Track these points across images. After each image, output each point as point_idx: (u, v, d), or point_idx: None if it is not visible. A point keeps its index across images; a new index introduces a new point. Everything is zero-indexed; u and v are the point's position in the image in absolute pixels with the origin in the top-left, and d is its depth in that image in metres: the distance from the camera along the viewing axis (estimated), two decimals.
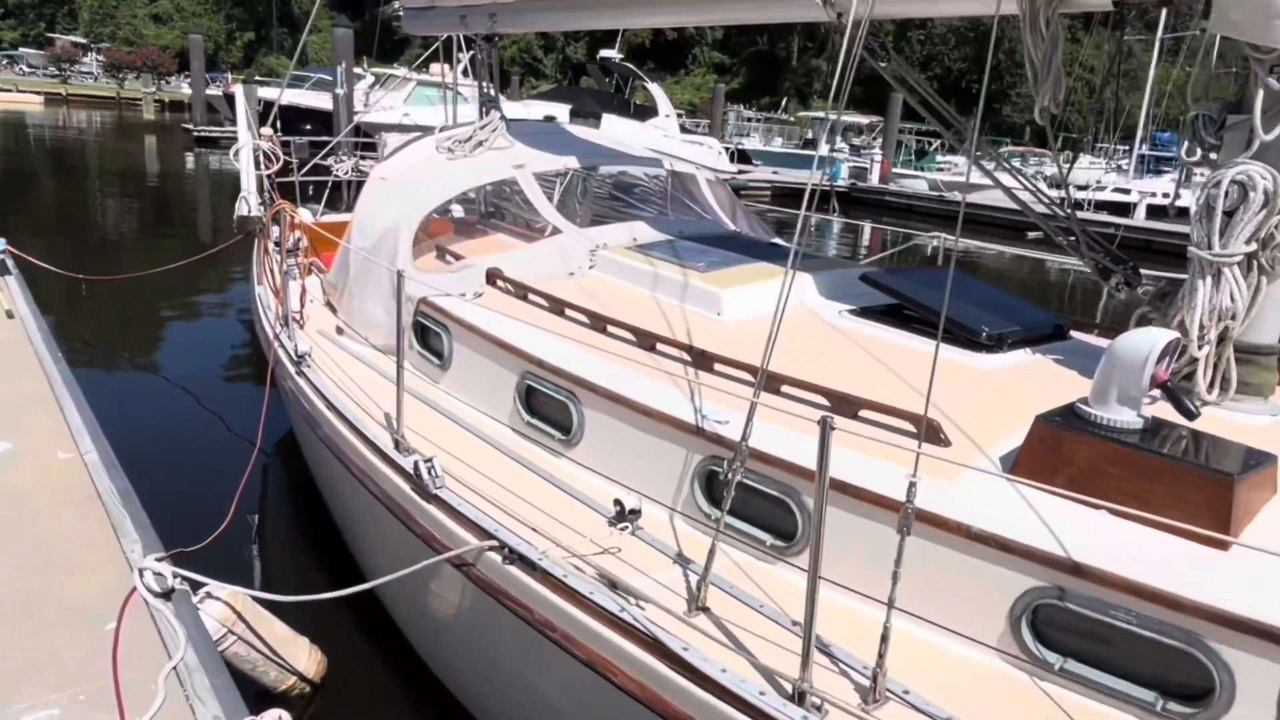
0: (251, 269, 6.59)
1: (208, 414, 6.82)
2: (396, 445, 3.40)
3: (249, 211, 7.18)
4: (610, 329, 3.52)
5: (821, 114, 39.66)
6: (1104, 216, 23.14)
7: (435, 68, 29.52)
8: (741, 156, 31.75)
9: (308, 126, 28.72)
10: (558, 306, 3.75)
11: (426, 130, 8.69)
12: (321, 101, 28.61)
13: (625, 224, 4.66)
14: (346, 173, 8.10)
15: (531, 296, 3.91)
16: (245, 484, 4.48)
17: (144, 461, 4.84)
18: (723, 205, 5.36)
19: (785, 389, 2.90)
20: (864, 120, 38.50)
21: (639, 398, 3.04)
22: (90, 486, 3.97)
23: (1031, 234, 23.14)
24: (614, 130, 26.02)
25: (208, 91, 32.11)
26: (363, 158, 8.37)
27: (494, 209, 5.07)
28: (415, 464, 3.07)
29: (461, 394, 3.95)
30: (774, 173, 30.44)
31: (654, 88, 27.78)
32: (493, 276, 4.13)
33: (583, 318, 3.64)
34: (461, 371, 3.94)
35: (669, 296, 3.86)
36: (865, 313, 3.70)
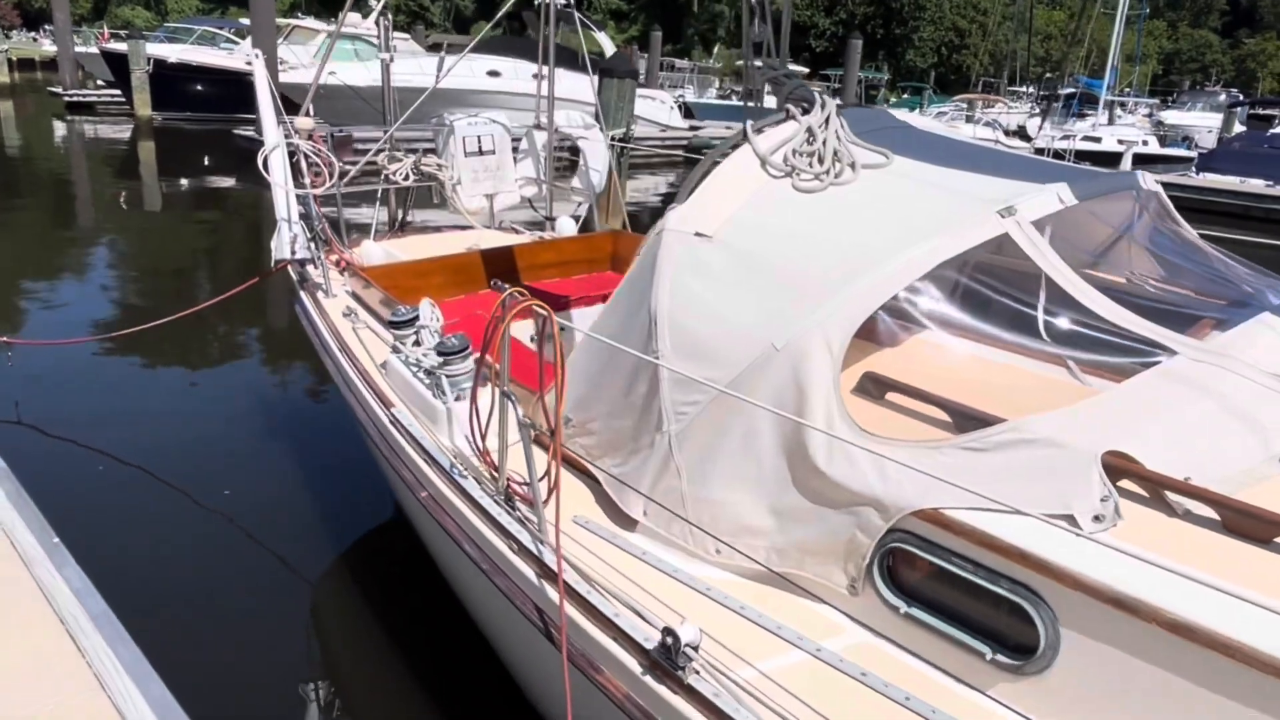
0: (328, 355, 4.11)
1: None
2: None
3: (291, 253, 4.67)
4: None
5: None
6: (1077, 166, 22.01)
7: (353, 17, 26.11)
8: (684, 111, 29.51)
9: (198, 88, 24.90)
10: None
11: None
12: (216, 58, 24.78)
13: (1255, 321, 2.49)
14: (405, 177, 5.56)
15: None
16: None
17: None
18: (1192, 236, 3.21)
19: None
20: (803, 70, 36.63)
21: None
22: None
23: None
24: (568, 87, 23.30)
25: (76, 49, 27.42)
26: (426, 151, 5.81)
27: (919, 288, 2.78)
28: None
29: None
30: (727, 128, 28.29)
31: (601, 36, 25.04)
32: (1124, 472, 1.96)
33: None
34: (1116, 708, 1.80)
35: None
36: None
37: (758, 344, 2.36)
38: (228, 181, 16.78)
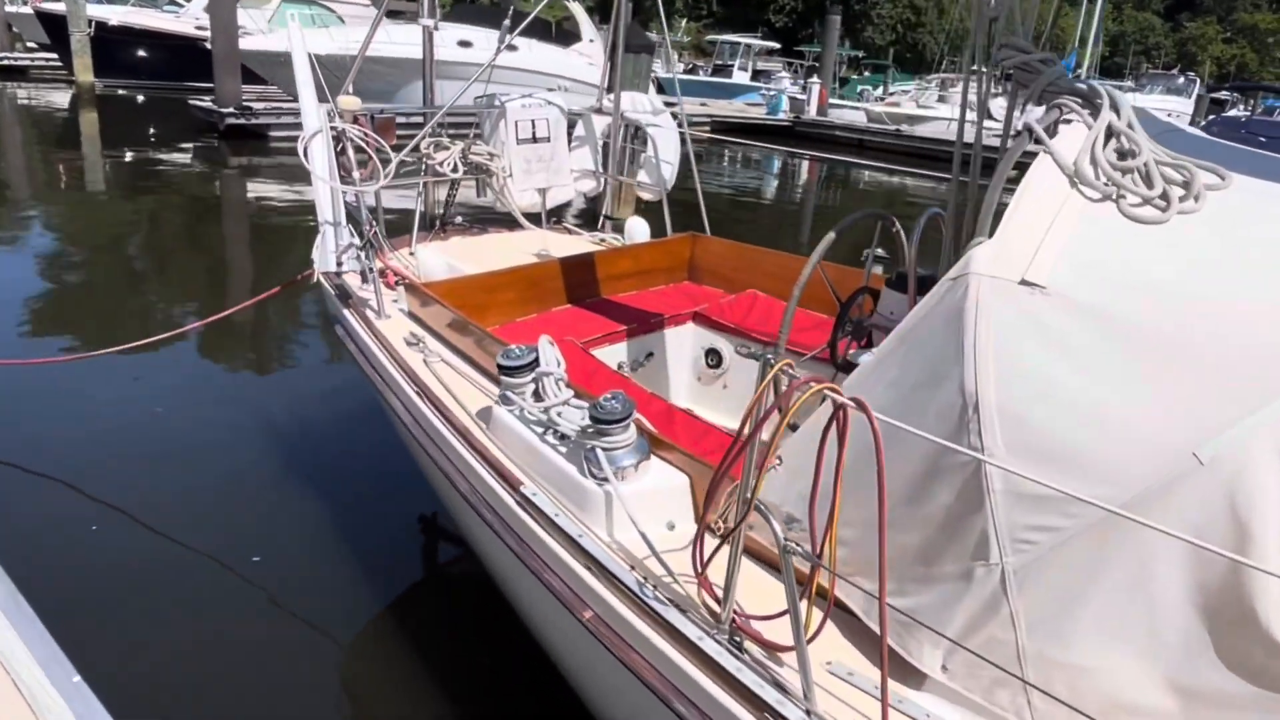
0: (397, 398, 3.30)
1: None
2: None
3: (333, 265, 3.83)
4: None
5: (736, 37, 36.90)
6: None
7: None
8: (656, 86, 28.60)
9: (143, 53, 23.29)
10: None
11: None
12: (162, 21, 23.19)
13: None
14: (454, 168, 4.68)
15: None
16: None
17: None
18: None
19: None
20: (774, 45, 35.98)
21: None
22: None
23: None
24: (537, 59, 22.19)
25: (6, 8, 25.42)
26: (475, 137, 4.95)
27: None
28: None
29: None
30: (702, 104, 27.55)
31: (575, 7, 23.97)
32: None
33: None
34: None
35: None
36: None
37: (1164, 452, 1.64)
38: (183, 155, 15.52)
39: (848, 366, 3.25)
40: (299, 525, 4.20)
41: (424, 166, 4.62)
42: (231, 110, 16.46)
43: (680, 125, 5.15)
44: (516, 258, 4.54)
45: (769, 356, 1.82)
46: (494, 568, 3.05)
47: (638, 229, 4.92)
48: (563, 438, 2.65)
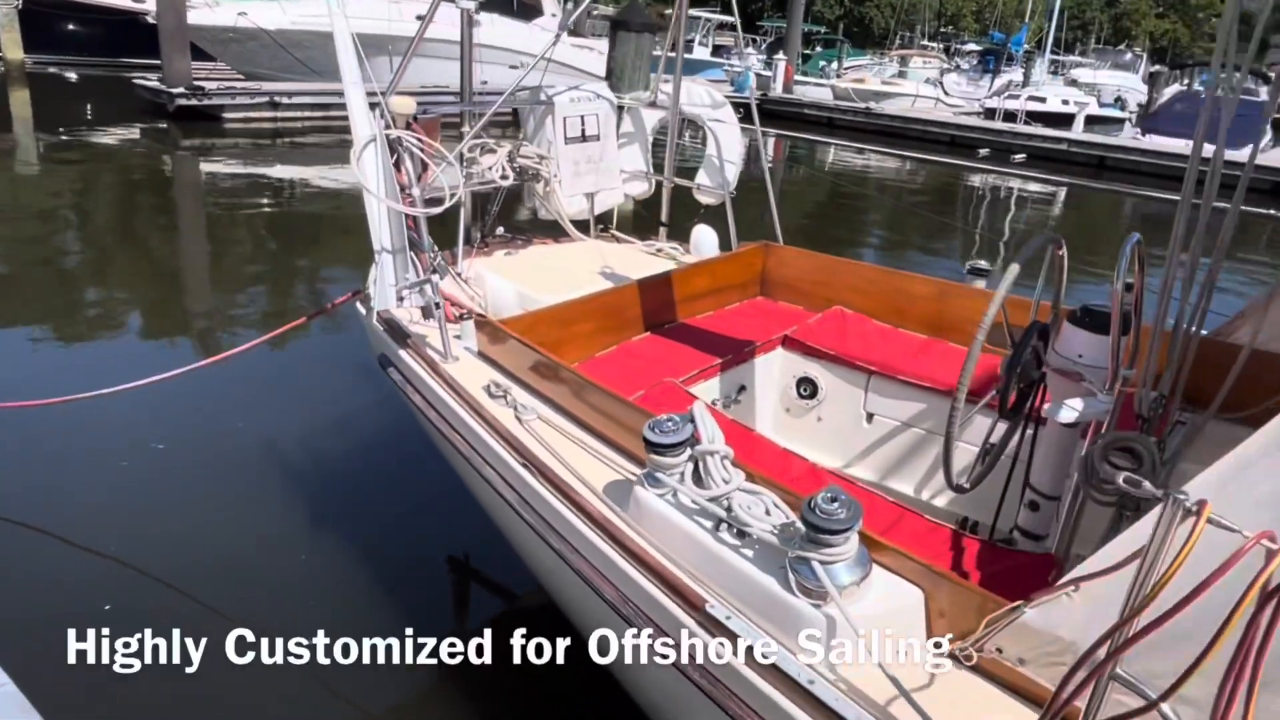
0: (488, 463, 2.76)
1: None
2: None
3: (394, 300, 3.25)
4: None
5: (695, 11, 36.14)
6: (1041, 129, 21.65)
7: None
8: None
9: (75, 27, 21.87)
10: None
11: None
12: None
13: None
14: (503, 174, 4.07)
15: None
16: None
17: None
18: None
19: None
20: (735, 20, 35.28)
21: None
22: None
23: (983, 150, 21.27)
24: (499, 34, 21.28)
25: None
26: (521, 140, 4.36)
27: None
28: None
29: None
30: (665, 80, 26.79)
31: None
32: None
33: None
34: None
35: None
36: None
37: None
38: (130, 134, 14.47)
39: (1013, 416, 2.82)
40: (327, 585, 3.64)
41: (467, 173, 4.02)
42: (182, 90, 15.38)
43: (751, 120, 4.64)
44: (579, 276, 4.01)
45: (1175, 496, 1.34)
46: (644, 689, 2.55)
47: (706, 239, 4.41)
48: (741, 535, 2.15)
